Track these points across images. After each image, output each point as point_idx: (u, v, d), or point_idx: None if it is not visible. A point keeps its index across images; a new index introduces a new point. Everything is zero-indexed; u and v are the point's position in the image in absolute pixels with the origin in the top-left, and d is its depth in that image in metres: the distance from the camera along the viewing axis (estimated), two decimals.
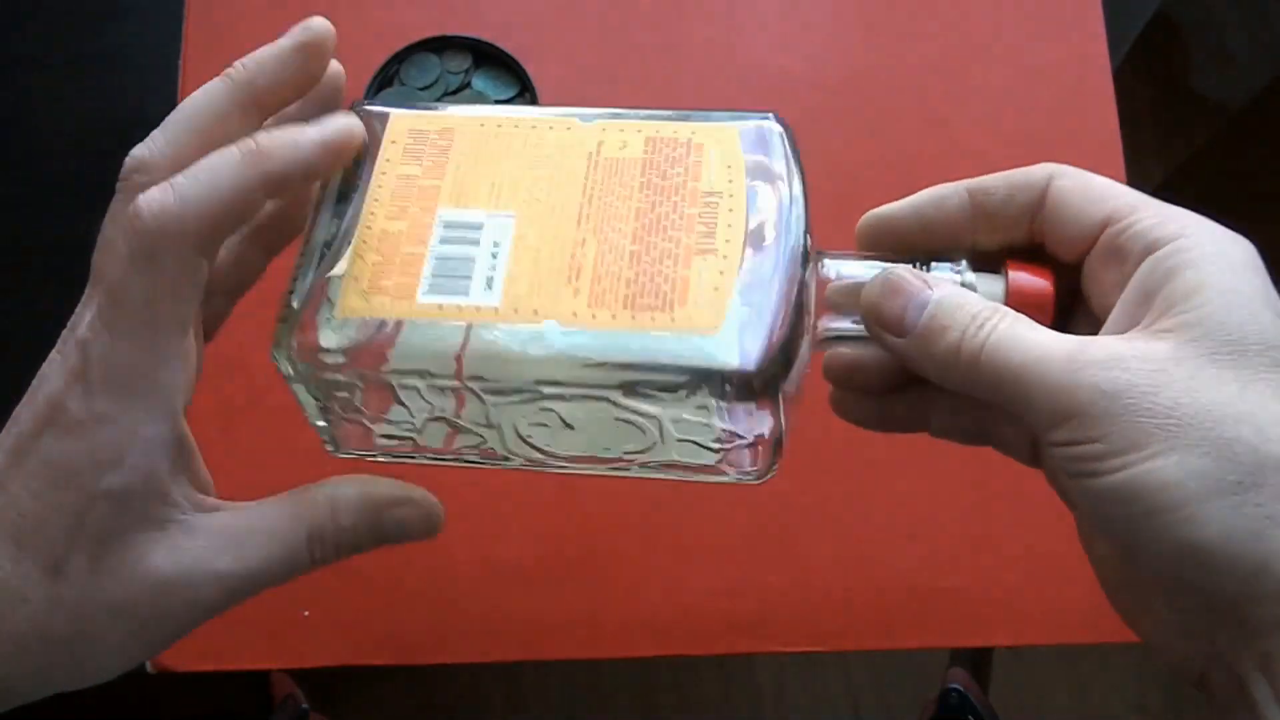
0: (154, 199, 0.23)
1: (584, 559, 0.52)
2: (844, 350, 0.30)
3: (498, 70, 0.57)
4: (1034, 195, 0.26)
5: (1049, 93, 0.58)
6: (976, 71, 0.58)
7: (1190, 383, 0.21)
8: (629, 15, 0.59)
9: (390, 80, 0.56)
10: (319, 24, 0.29)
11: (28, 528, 0.24)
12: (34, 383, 0.25)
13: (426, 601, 0.51)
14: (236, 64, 0.27)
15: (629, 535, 0.52)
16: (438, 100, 0.56)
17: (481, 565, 0.52)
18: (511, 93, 0.56)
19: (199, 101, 0.25)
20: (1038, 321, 0.24)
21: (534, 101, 0.56)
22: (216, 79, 0.26)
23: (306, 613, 0.51)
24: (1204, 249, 0.23)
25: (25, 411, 0.24)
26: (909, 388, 0.30)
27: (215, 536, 0.26)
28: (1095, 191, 0.25)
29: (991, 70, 0.58)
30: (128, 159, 0.25)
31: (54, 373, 0.24)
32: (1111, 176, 0.60)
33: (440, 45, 0.57)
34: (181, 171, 0.24)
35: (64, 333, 0.25)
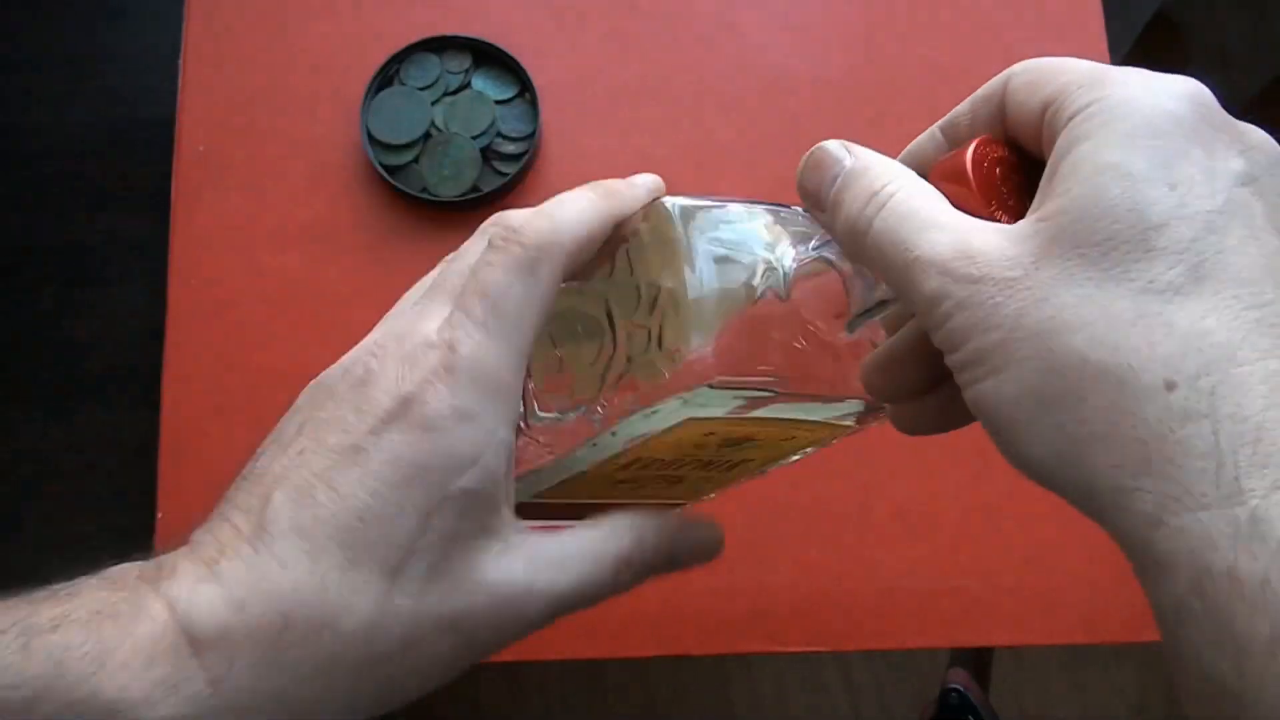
0: (533, 221, 0.25)
1: None
2: (873, 356, 0.26)
3: (498, 70, 0.57)
4: (995, 105, 0.24)
5: None
6: (976, 71, 0.58)
7: (1042, 289, 0.19)
8: (629, 15, 0.59)
9: (390, 80, 0.56)
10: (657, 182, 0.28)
11: (365, 531, 0.22)
12: (338, 385, 0.24)
13: None
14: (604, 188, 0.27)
15: None
16: (436, 101, 0.56)
17: None
18: (511, 92, 0.56)
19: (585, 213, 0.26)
20: (956, 197, 0.21)
21: (534, 101, 0.56)
22: (589, 192, 0.27)
23: None
24: (1111, 112, 0.20)
25: (351, 413, 0.23)
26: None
27: (537, 554, 0.25)
28: (1045, 75, 0.22)
29: (992, 70, 0.58)
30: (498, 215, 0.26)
31: (389, 372, 0.24)
32: None
33: (440, 45, 0.57)
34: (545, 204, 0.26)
35: (383, 339, 0.25)
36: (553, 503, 0.30)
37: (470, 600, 0.24)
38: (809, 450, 0.31)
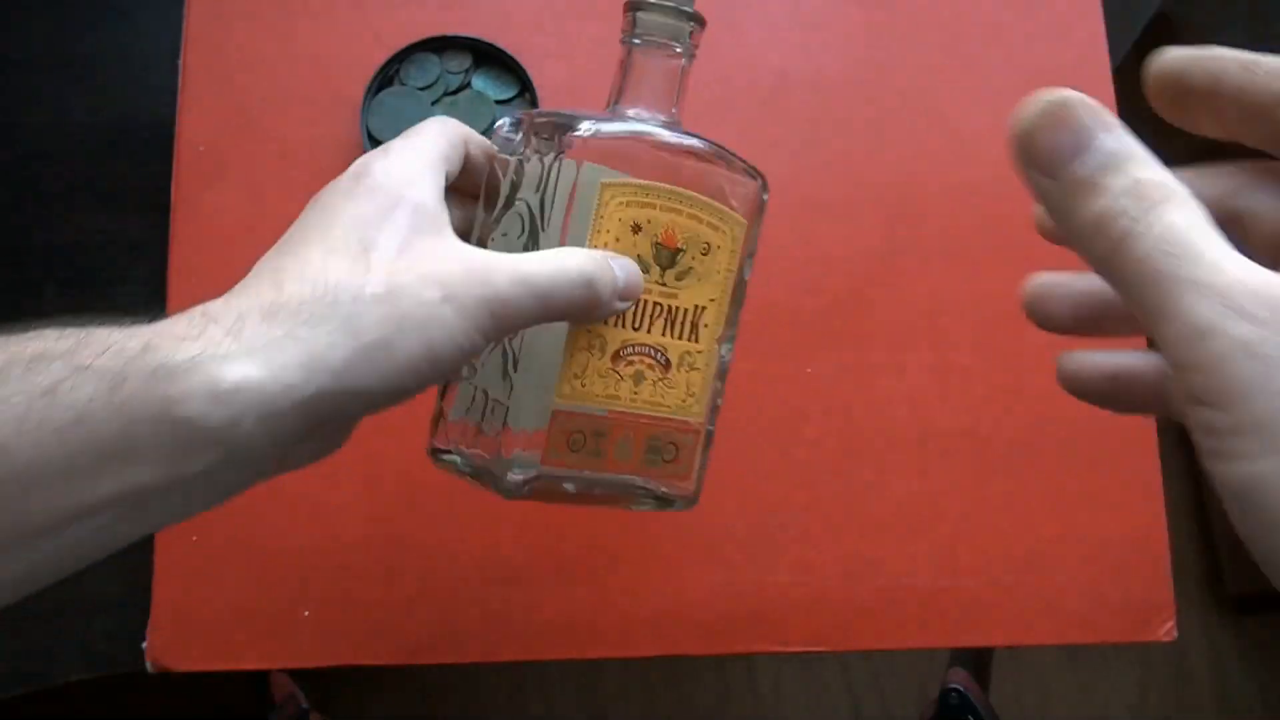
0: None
1: (584, 559, 0.52)
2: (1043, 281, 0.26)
3: (498, 70, 0.57)
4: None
5: None
6: (976, 72, 0.58)
7: None
8: None
9: (390, 80, 0.56)
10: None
11: (339, 233, 0.29)
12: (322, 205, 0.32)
13: (426, 601, 0.51)
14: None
15: (629, 535, 0.52)
16: (437, 101, 0.56)
17: (481, 565, 0.52)
18: (512, 93, 0.56)
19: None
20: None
21: (534, 102, 0.56)
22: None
23: (307, 613, 0.51)
24: None
25: (325, 194, 0.32)
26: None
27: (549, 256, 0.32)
28: None
29: (991, 70, 0.58)
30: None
31: (343, 175, 0.32)
32: None
33: (440, 45, 0.57)
34: None
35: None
36: (570, 413, 0.35)
37: (442, 263, 0.29)
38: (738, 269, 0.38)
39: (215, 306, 0.27)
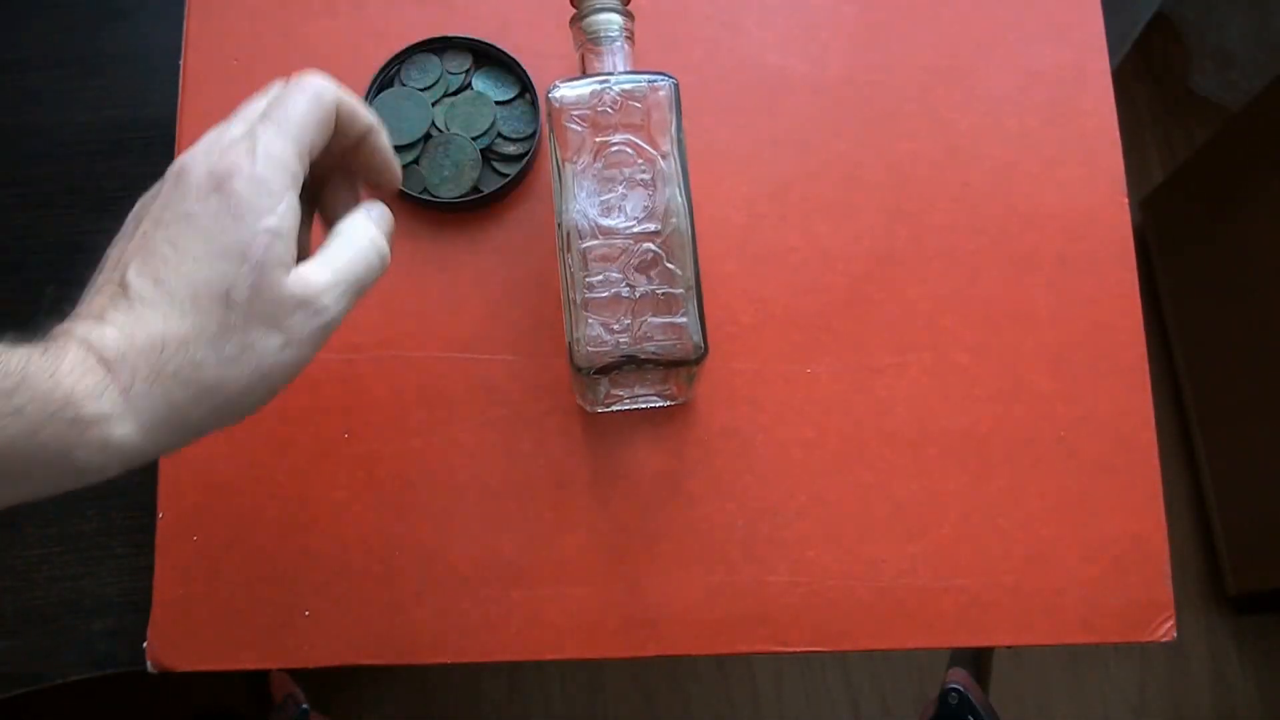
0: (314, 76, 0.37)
1: (584, 559, 0.52)
2: None
3: (498, 70, 0.57)
4: None
5: (1049, 93, 0.58)
6: (976, 72, 0.58)
7: None
8: None
9: (391, 81, 0.56)
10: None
11: (200, 270, 0.32)
12: (160, 187, 0.34)
13: (426, 601, 0.51)
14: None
15: (629, 535, 0.52)
16: (437, 101, 0.56)
17: (481, 565, 0.52)
18: (512, 93, 0.56)
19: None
20: None
21: (534, 102, 0.56)
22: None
23: (307, 613, 0.51)
24: None
25: (176, 196, 0.33)
26: None
27: (322, 258, 0.35)
28: None
29: (991, 70, 0.58)
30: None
31: (201, 163, 0.33)
32: (1111, 177, 0.60)
33: (440, 45, 0.57)
34: None
35: (191, 150, 0.34)
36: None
37: (282, 302, 0.33)
38: None
39: (110, 348, 0.31)
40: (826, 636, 0.51)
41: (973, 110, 0.57)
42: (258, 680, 1.02)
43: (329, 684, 1.28)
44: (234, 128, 0.35)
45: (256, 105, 0.36)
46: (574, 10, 0.49)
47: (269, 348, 0.33)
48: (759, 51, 0.58)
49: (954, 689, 0.87)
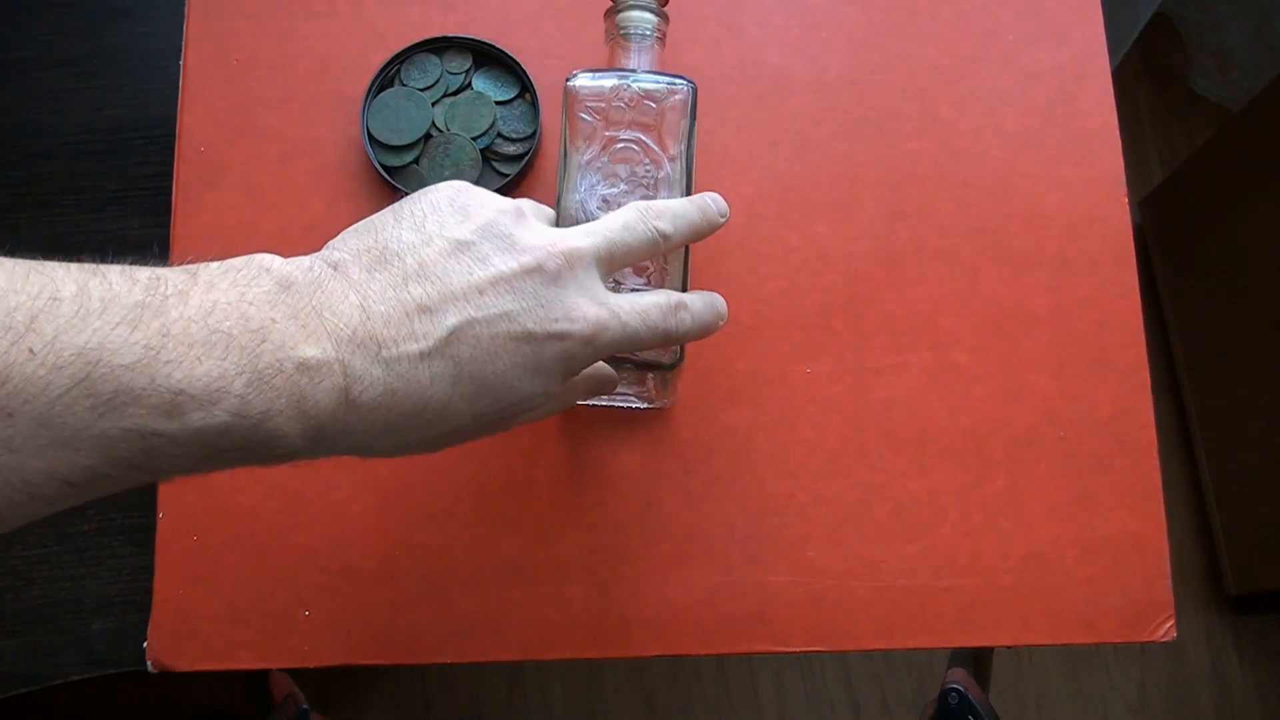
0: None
1: (584, 559, 0.52)
2: None
3: (498, 70, 0.57)
4: None
5: (1049, 93, 0.58)
6: (976, 72, 0.58)
7: None
8: None
9: (391, 81, 0.56)
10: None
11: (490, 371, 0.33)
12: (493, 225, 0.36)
13: (426, 601, 0.51)
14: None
15: (629, 535, 0.52)
16: (437, 101, 0.56)
17: (481, 565, 0.52)
18: (512, 93, 0.56)
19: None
20: None
21: (534, 102, 0.56)
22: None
23: (307, 613, 0.51)
24: None
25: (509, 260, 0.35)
26: None
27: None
28: None
29: (991, 70, 0.58)
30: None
31: (534, 239, 0.36)
32: (1111, 177, 0.60)
33: (440, 45, 0.57)
34: None
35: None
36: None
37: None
38: None
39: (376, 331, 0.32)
40: (826, 636, 0.51)
41: (973, 110, 0.57)
42: (258, 680, 1.02)
43: (329, 684, 1.28)
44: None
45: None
46: (611, 2, 0.49)
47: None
48: (759, 51, 0.58)
49: (954, 689, 0.87)
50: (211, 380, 0.28)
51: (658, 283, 0.45)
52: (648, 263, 0.45)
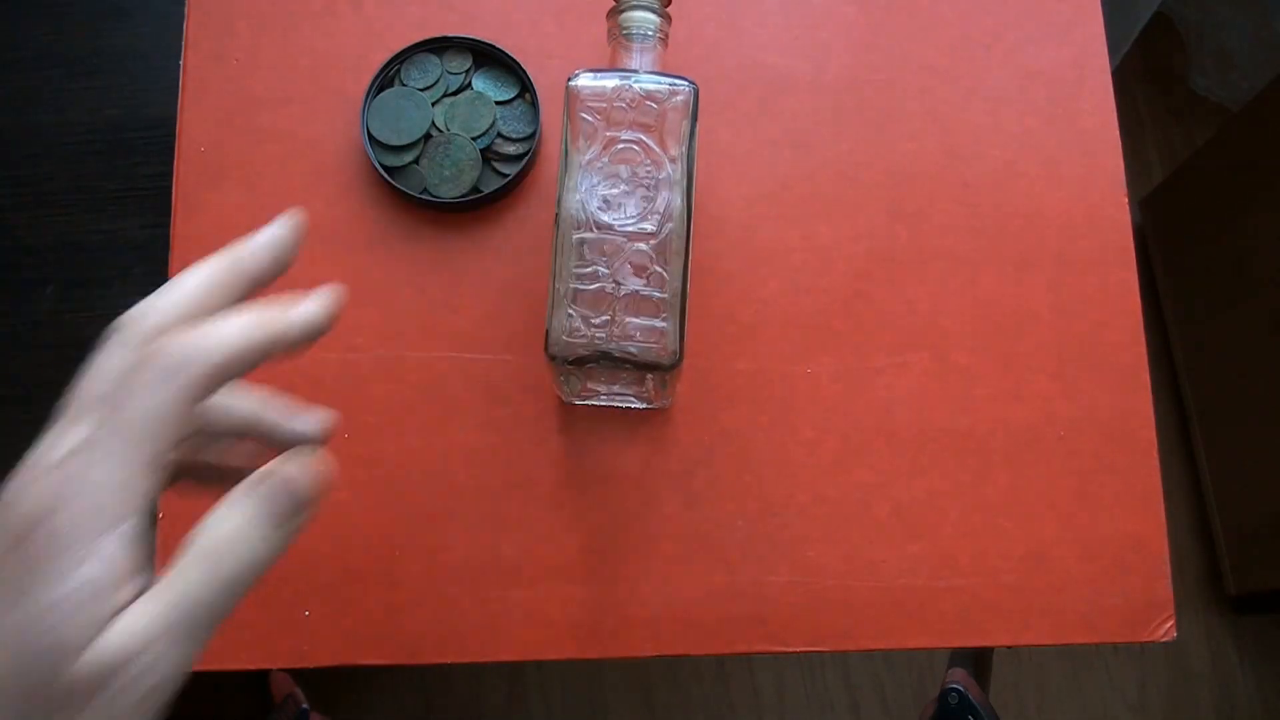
0: (178, 335, 0.27)
1: (584, 559, 0.52)
2: None
3: (498, 70, 0.57)
4: None
5: (1049, 93, 0.58)
6: (976, 72, 0.58)
7: None
8: None
9: (391, 81, 0.56)
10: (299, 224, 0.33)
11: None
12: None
13: (426, 601, 0.51)
14: (234, 249, 0.31)
15: (629, 535, 0.52)
16: (437, 101, 0.56)
17: (481, 565, 0.52)
18: (512, 93, 0.56)
19: (200, 275, 0.29)
20: None
21: (534, 102, 0.56)
22: (215, 257, 0.30)
23: (307, 613, 0.51)
24: None
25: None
26: None
27: None
28: None
29: (991, 70, 0.58)
30: (128, 314, 0.28)
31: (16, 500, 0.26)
32: (1111, 177, 0.60)
33: (440, 45, 0.57)
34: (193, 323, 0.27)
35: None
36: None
37: (72, 692, 0.26)
38: None
39: None
40: (826, 636, 0.51)
41: (973, 110, 0.57)
42: (258, 680, 1.02)
43: (329, 684, 1.28)
44: (69, 435, 0.26)
45: (98, 385, 0.27)
46: (614, 2, 0.49)
47: None
48: (759, 51, 0.58)
49: (954, 689, 0.87)
50: None
51: (658, 283, 0.45)
52: (648, 263, 0.45)
